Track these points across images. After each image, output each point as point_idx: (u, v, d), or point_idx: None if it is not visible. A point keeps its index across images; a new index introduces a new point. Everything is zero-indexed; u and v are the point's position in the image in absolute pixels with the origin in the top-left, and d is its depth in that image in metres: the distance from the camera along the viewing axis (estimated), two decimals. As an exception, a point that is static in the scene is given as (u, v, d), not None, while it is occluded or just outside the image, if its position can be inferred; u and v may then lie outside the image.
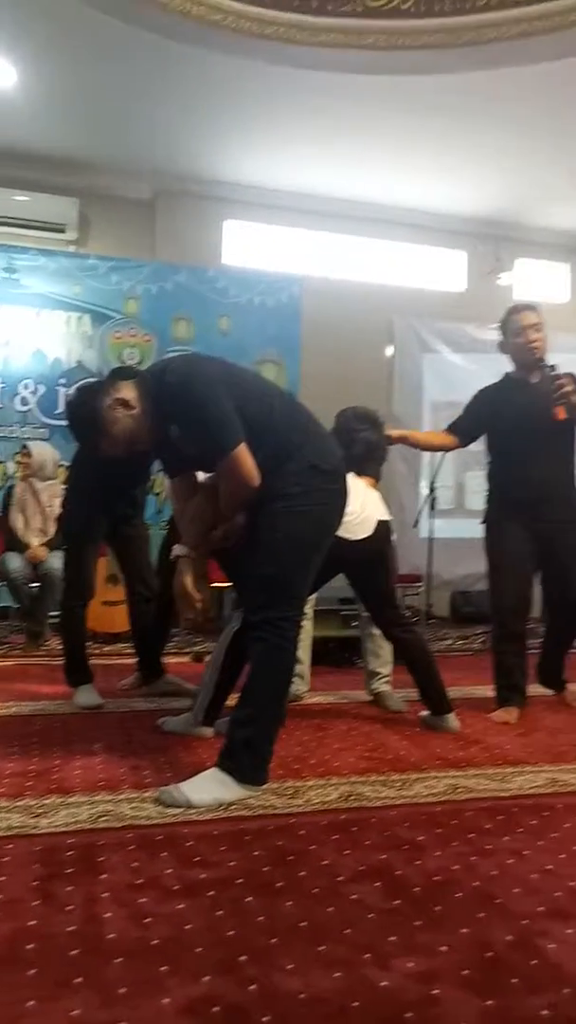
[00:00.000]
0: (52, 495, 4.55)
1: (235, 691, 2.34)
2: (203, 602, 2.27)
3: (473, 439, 3.29)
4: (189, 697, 2.93)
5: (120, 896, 1.50)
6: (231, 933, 1.37)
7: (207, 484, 2.29)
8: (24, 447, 4.79)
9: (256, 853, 1.71)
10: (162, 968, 1.25)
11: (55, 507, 4.46)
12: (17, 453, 5.00)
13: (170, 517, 3.29)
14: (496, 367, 3.29)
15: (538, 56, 4.63)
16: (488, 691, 3.15)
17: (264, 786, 2.08)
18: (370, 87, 4.93)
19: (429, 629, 5.51)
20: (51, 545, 4.43)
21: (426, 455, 5.75)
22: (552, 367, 2.99)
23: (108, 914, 1.43)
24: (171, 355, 3.54)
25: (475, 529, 3.25)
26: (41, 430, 5.46)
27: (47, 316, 5.55)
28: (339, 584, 3.06)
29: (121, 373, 2.39)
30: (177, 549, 2.29)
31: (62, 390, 5.49)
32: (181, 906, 1.47)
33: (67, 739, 2.61)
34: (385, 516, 3.02)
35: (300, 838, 1.80)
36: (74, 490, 3.34)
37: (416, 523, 5.46)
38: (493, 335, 3.27)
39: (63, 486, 3.81)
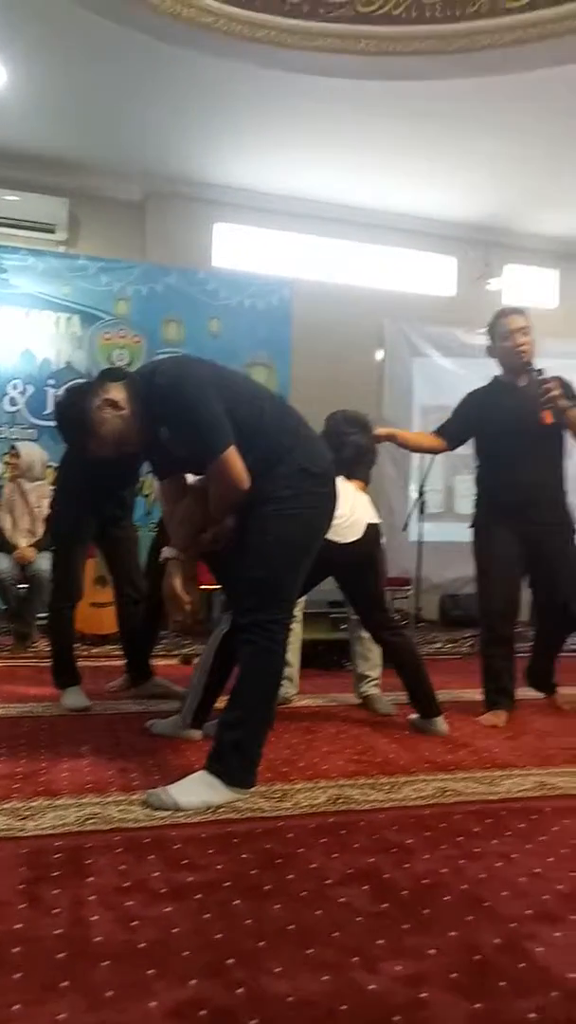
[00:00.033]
0: (40, 496, 4.54)
1: (224, 694, 2.34)
2: (192, 604, 2.27)
3: (461, 442, 3.30)
4: (177, 699, 2.93)
5: (107, 899, 1.49)
6: (218, 936, 1.37)
7: (196, 486, 2.29)
8: (12, 448, 4.78)
9: (244, 856, 1.70)
10: (149, 971, 1.25)
11: (43, 508, 4.45)
12: (5, 454, 4.97)
13: (159, 519, 3.28)
14: (485, 371, 3.30)
15: (530, 64, 4.66)
16: (477, 694, 3.16)
17: (252, 789, 2.07)
18: (362, 92, 4.94)
19: (418, 632, 5.52)
20: (39, 546, 4.41)
21: (415, 459, 5.78)
22: (539, 371, 3.01)
23: (95, 917, 1.42)
24: (161, 357, 3.54)
25: (464, 533, 3.26)
26: (29, 431, 5.43)
27: (36, 316, 5.52)
28: (328, 587, 3.06)
29: (110, 374, 2.38)
30: (166, 551, 2.29)
31: (51, 391, 5.46)
32: (168, 909, 1.46)
33: (54, 741, 2.60)
34: (374, 519, 3.03)
35: (288, 841, 1.80)
36: (62, 491, 3.33)
37: (405, 527, 5.48)
38: (482, 339, 3.29)
39: (51, 487, 3.80)
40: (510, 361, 3.13)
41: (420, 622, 5.91)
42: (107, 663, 4.01)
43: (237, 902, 1.49)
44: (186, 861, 1.67)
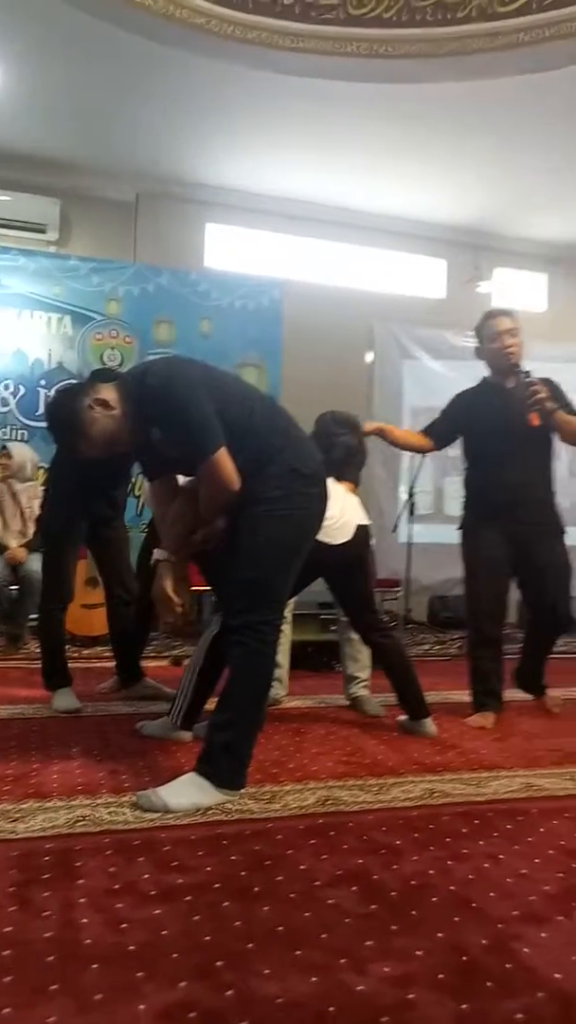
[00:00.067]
0: (31, 497, 4.53)
1: (214, 695, 2.34)
2: (183, 606, 2.27)
3: (448, 443, 3.32)
4: (168, 701, 2.92)
5: (97, 901, 1.50)
6: (208, 938, 1.37)
7: (187, 488, 2.29)
8: (3, 448, 4.76)
9: (233, 858, 1.71)
10: (139, 974, 1.25)
11: (34, 509, 4.45)
12: (-4, 454, 4.96)
13: (150, 520, 3.28)
14: (475, 374, 3.32)
15: (520, 68, 4.69)
16: (465, 696, 3.17)
17: (242, 790, 2.08)
18: (353, 94, 4.95)
19: (407, 634, 5.54)
20: (30, 547, 4.40)
21: (405, 461, 5.79)
22: (527, 373, 3.02)
23: (85, 920, 1.43)
24: (153, 357, 3.54)
25: (453, 534, 3.27)
26: (21, 431, 5.42)
27: (28, 317, 5.51)
28: (318, 588, 3.06)
29: (102, 375, 2.39)
30: (157, 553, 2.29)
31: (42, 391, 5.45)
32: (158, 911, 1.46)
33: (45, 743, 2.59)
34: (364, 521, 3.04)
35: (277, 843, 1.80)
36: (54, 492, 3.32)
37: (395, 528, 5.49)
38: (472, 342, 3.30)
39: (42, 488, 3.79)
40: (498, 363, 3.15)
41: (409, 623, 5.93)
42: (98, 664, 4.01)
43: (226, 904, 1.50)
44: (176, 863, 1.68)
